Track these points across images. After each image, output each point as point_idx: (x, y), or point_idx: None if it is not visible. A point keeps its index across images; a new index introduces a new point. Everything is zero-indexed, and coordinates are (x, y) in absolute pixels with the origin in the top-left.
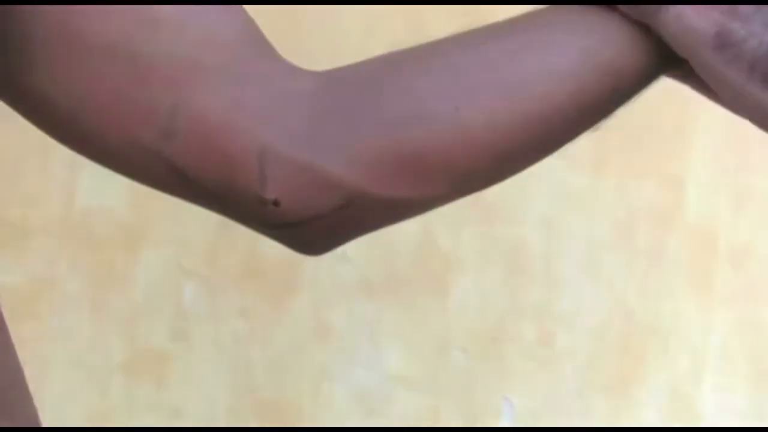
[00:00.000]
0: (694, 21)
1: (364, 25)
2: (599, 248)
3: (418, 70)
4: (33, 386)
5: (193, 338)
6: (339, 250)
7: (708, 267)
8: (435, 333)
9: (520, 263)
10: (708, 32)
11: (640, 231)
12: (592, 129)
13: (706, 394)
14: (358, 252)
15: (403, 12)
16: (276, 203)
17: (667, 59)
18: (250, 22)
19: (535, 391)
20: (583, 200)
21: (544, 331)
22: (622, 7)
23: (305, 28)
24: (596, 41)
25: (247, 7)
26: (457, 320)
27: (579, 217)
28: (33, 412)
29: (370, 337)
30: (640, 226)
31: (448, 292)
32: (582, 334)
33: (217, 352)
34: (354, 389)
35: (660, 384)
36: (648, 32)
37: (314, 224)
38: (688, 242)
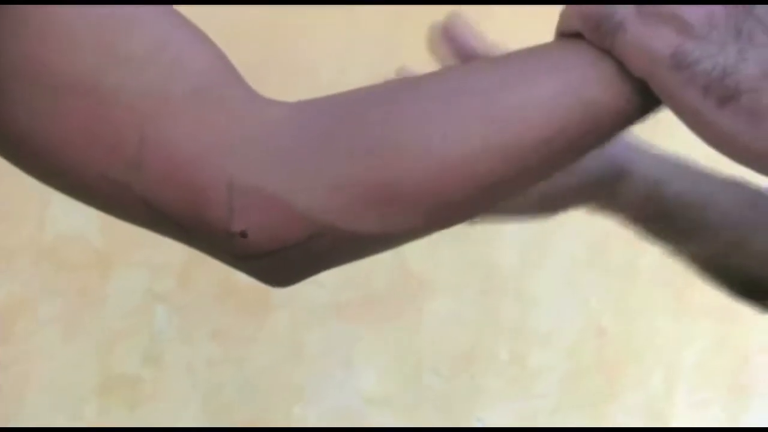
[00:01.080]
0: (650, 42)
1: (339, 56)
2: (573, 267)
3: (393, 102)
4: (7, 409)
5: (166, 361)
6: None
7: (682, 285)
8: (409, 354)
9: (494, 283)
10: (663, 53)
11: (614, 249)
12: (570, 164)
13: (681, 412)
14: (331, 274)
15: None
16: (243, 235)
17: (652, 100)
18: (220, 54)
19: (508, 410)
20: (557, 219)
21: (517, 351)
22: (586, 35)
23: (279, 58)
24: (578, 77)
25: (219, 37)
26: (431, 341)
27: (553, 236)
28: None
29: (344, 359)
30: (614, 245)
31: (422, 313)
32: (556, 353)
33: (190, 375)
34: (328, 411)
35: (634, 402)
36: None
37: (282, 256)
38: (661, 260)
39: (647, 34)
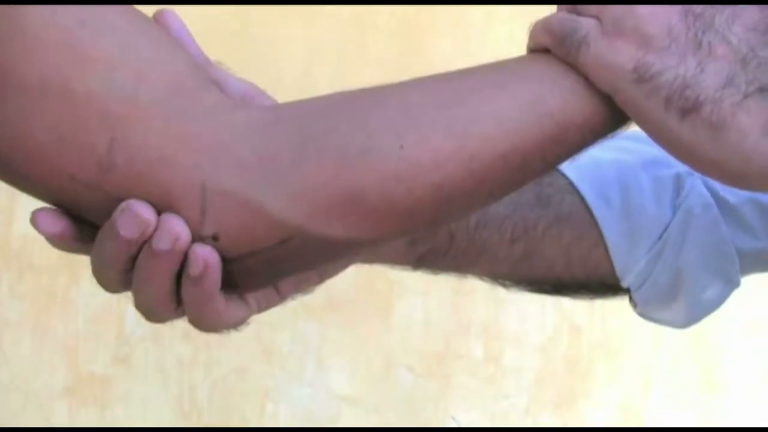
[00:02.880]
0: (612, 57)
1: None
2: None
3: (368, 107)
4: None
5: (136, 362)
6: None
7: None
8: (380, 352)
9: (466, 281)
10: (625, 67)
11: None
12: (537, 178)
13: (654, 410)
14: None
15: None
16: (215, 238)
17: (621, 113)
18: (188, 58)
19: (481, 408)
20: None
21: (490, 349)
22: (553, 50)
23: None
24: (543, 90)
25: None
26: (402, 339)
27: None
28: None
29: (315, 358)
30: None
31: (393, 311)
32: (529, 351)
33: (160, 375)
34: (299, 410)
35: (608, 399)
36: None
37: (250, 260)
38: None
39: (610, 49)
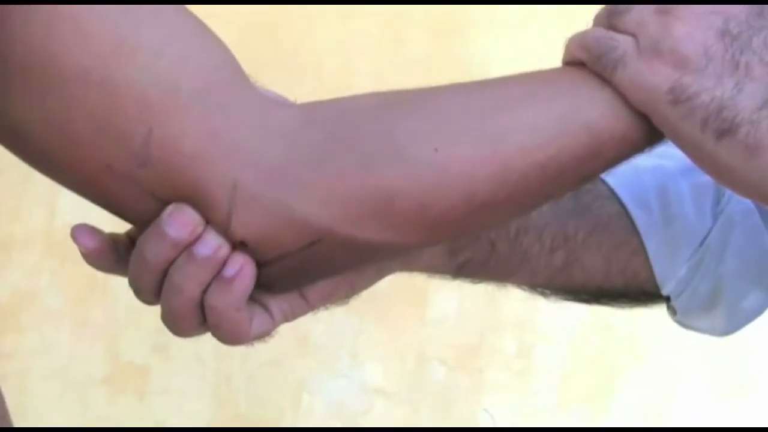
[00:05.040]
0: (648, 77)
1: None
2: None
3: (401, 112)
4: (14, 399)
5: (174, 352)
6: None
7: None
8: (414, 346)
9: None
10: (661, 88)
11: None
12: (570, 191)
13: (682, 408)
14: None
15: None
16: (243, 244)
17: (656, 130)
18: (228, 53)
19: (513, 403)
20: None
21: (523, 344)
22: (588, 65)
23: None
24: (580, 102)
25: (222, 37)
26: (437, 333)
27: None
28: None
29: (350, 350)
30: None
31: (428, 305)
32: (560, 347)
33: (198, 365)
34: (333, 401)
35: (637, 397)
36: None
37: (279, 264)
38: None
39: (646, 69)
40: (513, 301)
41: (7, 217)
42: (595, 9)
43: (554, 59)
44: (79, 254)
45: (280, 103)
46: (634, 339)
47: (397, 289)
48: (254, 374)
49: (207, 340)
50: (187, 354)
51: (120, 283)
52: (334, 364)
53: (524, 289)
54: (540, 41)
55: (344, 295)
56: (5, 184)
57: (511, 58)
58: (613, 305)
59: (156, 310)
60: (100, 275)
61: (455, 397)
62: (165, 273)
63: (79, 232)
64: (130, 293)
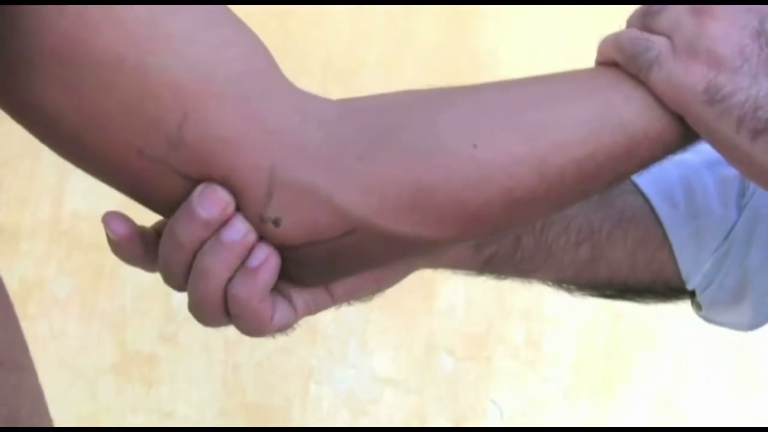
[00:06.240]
0: (683, 77)
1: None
2: None
3: (440, 106)
4: None
5: (183, 341)
6: None
7: None
8: (423, 335)
9: None
10: (696, 88)
11: None
12: (605, 191)
13: (692, 395)
14: None
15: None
16: (276, 223)
17: (691, 131)
18: (263, 45)
19: (521, 392)
20: None
21: (531, 334)
22: (623, 65)
23: (293, 47)
24: (612, 101)
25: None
26: (445, 322)
27: None
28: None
29: (359, 340)
30: None
31: (436, 295)
32: (569, 336)
33: (206, 354)
34: (342, 391)
35: (645, 386)
36: None
37: (311, 250)
38: None
39: (681, 70)
40: (521, 291)
41: (14, 206)
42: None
43: (562, 47)
44: (85, 243)
45: (314, 96)
46: (645, 327)
47: (406, 279)
48: (262, 363)
49: (215, 328)
50: (195, 343)
51: (127, 272)
52: (342, 353)
53: (549, 285)
54: (549, 31)
55: (370, 291)
56: (13, 173)
57: (519, 48)
58: (638, 301)
59: (163, 299)
60: (107, 264)
61: (463, 387)
62: (194, 257)
63: (111, 218)
64: (138, 282)
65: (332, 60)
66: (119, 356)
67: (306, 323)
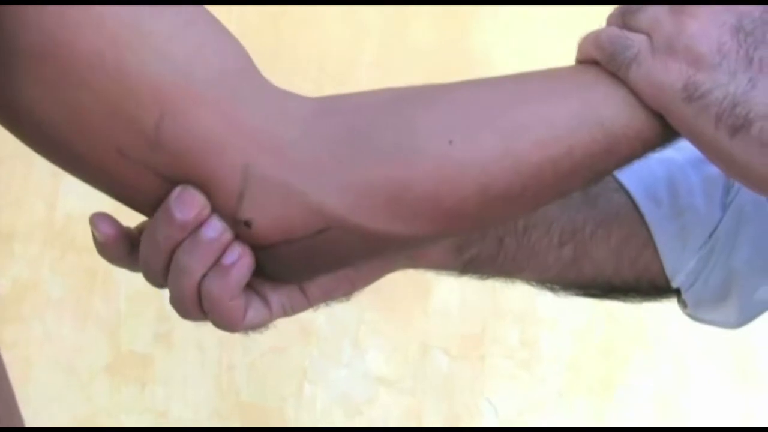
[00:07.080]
0: (662, 75)
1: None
2: None
3: (418, 104)
4: (17, 390)
5: (177, 341)
6: None
7: None
8: (417, 335)
9: None
10: (675, 86)
11: None
12: (583, 189)
13: (690, 395)
14: None
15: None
16: (249, 222)
17: (671, 129)
18: (242, 47)
19: (516, 392)
20: None
21: (526, 334)
22: (602, 63)
23: (286, 49)
24: (596, 100)
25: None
26: (439, 322)
27: None
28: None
29: (353, 340)
30: None
31: (430, 294)
32: (564, 336)
33: (200, 354)
34: (335, 391)
35: (642, 387)
36: None
37: (286, 248)
38: None
39: (660, 68)
40: (516, 291)
41: (8, 208)
42: (596, 5)
43: (556, 50)
44: (79, 245)
45: (293, 94)
46: (641, 327)
47: (400, 279)
48: (256, 363)
49: (209, 328)
50: (189, 343)
51: (121, 273)
52: (336, 353)
53: (533, 285)
54: (543, 32)
55: (345, 292)
56: (6, 175)
57: (514, 49)
58: (623, 300)
59: (157, 299)
60: (101, 265)
61: (458, 387)
62: (172, 255)
63: (98, 219)
64: (131, 283)
65: (326, 60)
66: (113, 357)
67: (300, 323)
